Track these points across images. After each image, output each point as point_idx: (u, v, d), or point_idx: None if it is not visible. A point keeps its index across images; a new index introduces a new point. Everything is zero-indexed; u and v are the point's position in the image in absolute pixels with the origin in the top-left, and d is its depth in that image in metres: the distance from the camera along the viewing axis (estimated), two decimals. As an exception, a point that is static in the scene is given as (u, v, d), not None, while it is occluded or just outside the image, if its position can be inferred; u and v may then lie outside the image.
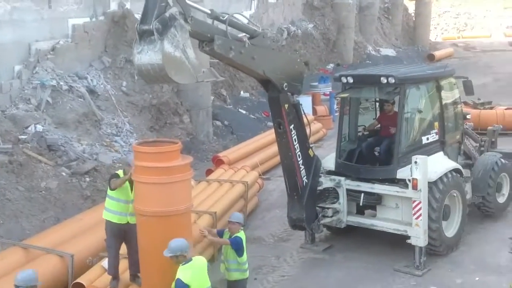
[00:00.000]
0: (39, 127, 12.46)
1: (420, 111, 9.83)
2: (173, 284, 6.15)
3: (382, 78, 9.29)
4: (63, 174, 11.74)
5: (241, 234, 7.49)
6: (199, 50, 7.58)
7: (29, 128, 12.33)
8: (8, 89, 12.75)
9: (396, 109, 9.99)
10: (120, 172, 7.33)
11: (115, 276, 7.35)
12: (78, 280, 7.52)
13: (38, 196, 10.80)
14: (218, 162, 13.72)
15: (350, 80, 9.70)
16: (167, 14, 6.69)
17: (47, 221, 10.30)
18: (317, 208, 9.70)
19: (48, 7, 13.89)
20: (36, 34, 13.63)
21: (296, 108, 9.15)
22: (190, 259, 6.22)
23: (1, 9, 12.61)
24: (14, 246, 8.54)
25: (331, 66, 28.67)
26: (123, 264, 7.60)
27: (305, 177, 9.34)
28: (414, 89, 9.69)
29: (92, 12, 15.33)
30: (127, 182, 7.11)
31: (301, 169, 9.24)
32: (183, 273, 6.07)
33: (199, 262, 6.39)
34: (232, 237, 7.42)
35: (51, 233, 9.24)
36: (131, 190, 7.13)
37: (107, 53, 15.81)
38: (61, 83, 13.84)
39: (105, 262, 7.74)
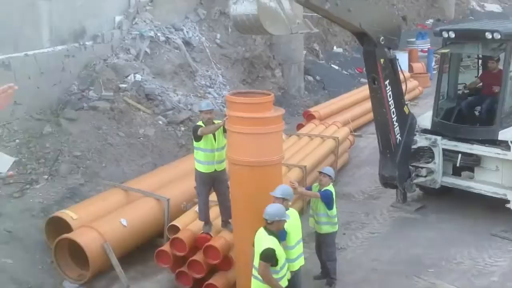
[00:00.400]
0: (138, 77, 12.93)
1: (527, 69, 9.22)
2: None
3: (487, 34, 8.76)
4: (160, 122, 12.19)
5: (331, 188, 7.50)
6: (295, 2, 7.45)
7: (129, 77, 12.83)
8: (110, 39, 13.27)
9: (500, 66, 9.43)
10: (200, 123, 7.46)
11: (207, 222, 7.60)
12: (174, 222, 7.85)
13: (137, 143, 11.31)
14: (309, 117, 13.67)
15: (452, 35, 9.22)
16: (264, -33, 6.60)
17: (145, 166, 10.78)
18: (410, 167, 9.48)
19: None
20: (136, -14, 14.00)
21: (392, 63, 8.86)
22: (288, 209, 6.32)
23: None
24: (115, 188, 9.04)
25: (430, 21, 27.35)
26: (215, 211, 7.85)
27: (399, 134, 9.11)
28: (522, 46, 9.08)
29: (189, -36, 15.49)
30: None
31: (395, 126, 9.01)
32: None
33: (295, 213, 6.49)
34: (322, 190, 7.44)
35: (149, 177, 9.68)
36: (215, 139, 7.28)
37: (202, 6, 16.01)
38: (159, 34, 14.22)
39: (197, 208, 8.03)
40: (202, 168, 7.40)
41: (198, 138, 7.29)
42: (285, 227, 6.13)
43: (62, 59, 12.02)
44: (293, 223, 6.32)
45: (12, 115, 10.75)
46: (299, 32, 7.40)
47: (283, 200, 6.25)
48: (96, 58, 12.82)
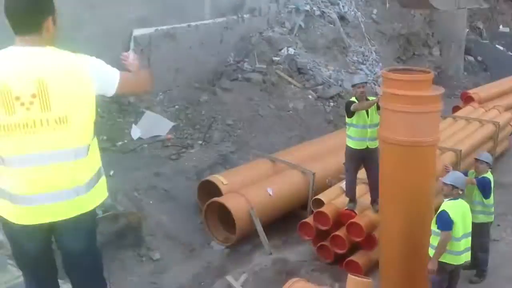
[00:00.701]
0: (291, 50, 13.05)
1: None
2: (434, 218, 6.03)
3: None
4: (310, 97, 12.23)
5: (489, 175, 7.00)
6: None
7: (282, 51, 12.99)
8: (266, 12, 13.51)
9: None
10: (353, 99, 7.30)
11: (352, 199, 7.52)
12: (319, 196, 7.88)
13: (286, 115, 11.48)
14: (467, 100, 12.83)
15: None
16: None
17: (292, 139, 10.92)
18: None
19: None
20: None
21: None
22: (457, 198, 6.02)
23: None
24: (263, 158, 9.28)
25: None
26: (360, 189, 7.73)
27: None
28: None
29: None
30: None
31: None
32: (449, 207, 5.88)
33: (465, 204, 6.14)
34: (479, 177, 6.98)
35: (296, 150, 9.79)
36: (368, 116, 7.10)
37: (361, -21, 15.65)
38: (314, 8, 14.18)
39: (343, 184, 7.97)
40: (353, 144, 7.30)
41: (350, 114, 7.18)
42: (451, 217, 5.85)
43: (221, 30, 12.49)
44: (461, 214, 5.98)
45: (173, 83, 11.45)
46: (467, 7, 6.95)
47: (453, 188, 5.95)
48: (252, 30, 13.14)
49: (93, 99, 2.77)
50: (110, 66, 2.96)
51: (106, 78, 2.83)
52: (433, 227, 5.94)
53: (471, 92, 13.15)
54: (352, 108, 7.12)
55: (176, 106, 10.96)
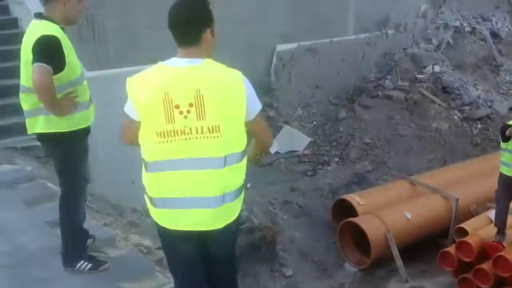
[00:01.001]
0: (437, 68, 12.48)
1: None
2: None
3: None
4: (455, 117, 11.59)
5: None
6: None
7: (427, 68, 12.47)
8: (412, 28, 13.07)
9: None
10: (510, 122, 6.73)
11: (501, 230, 6.96)
12: (462, 225, 7.41)
13: (427, 136, 10.97)
14: None
15: None
16: None
17: (434, 161, 10.40)
18: None
19: None
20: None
21: None
22: None
23: None
24: (402, 179, 8.91)
25: None
26: (510, 219, 7.12)
27: None
28: None
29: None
30: None
31: None
32: None
33: None
34: None
35: (438, 173, 9.31)
36: None
37: (517, -6, 14.61)
38: (464, 24, 13.48)
39: (491, 213, 7.40)
40: (508, 172, 6.77)
41: (506, 139, 6.67)
42: None
43: (363, 46, 12.31)
44: None
45: (312, 98, 11.45)
46: None
47: None
48: (396, 46, 12.79)
49: (244, 111, 2.83)
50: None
51: (252, 102, 2.88)
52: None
53: None
54: (507, 133, 6.60)
55: (314, 122, 10.93)
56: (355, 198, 8.12)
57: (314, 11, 11.35)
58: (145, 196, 3.04)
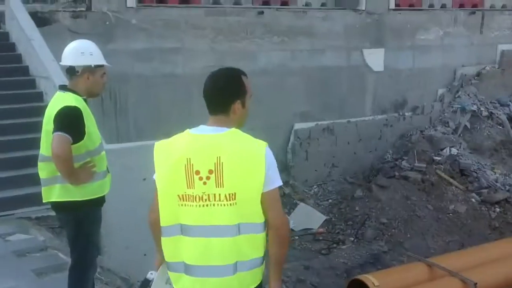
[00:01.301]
0: (454, 150, 12.52)
1: None
2: None
3: None
4: (473, 200, 11.49)
5: None
6: None
7: (444, 150, 12.52)
8: (429, 111, 13.27)
9: None
10: None
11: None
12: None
13: (445, 218, 10.85)
14: None
15: None
16: None
17: (451, 243, 10.24)
18: None
19: (479, 32, 13.88)
20: (463, 59, 13.78)
21: None
22: None
23: (434, 34, 13.19)
24: (419, 262, 8.74)
25: None
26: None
27: None
28: None
29: (523, 38, 14.65)
30: None
31: None
32: None
33: None
34: None
35: (455, 256, 9.09)
36: None
37: (533, 80, 14.81)
38: (482, 108, 13.64)
39: (511, 300, 7.19)
40: None
41: None
42: None
43: (380, 127, 12.49)
44: None
45: (328, 177, 11.52)
46: None
47: None
48: (413, 128, 12.93)
49: (262, 180, 2.86)
50: None
51: (272, 173, 2.91)
52: None
53: None
54: None
55: (330, 200, 10.94)
56: (370, 279, 7.93)
57: (332, 92, 11.66)
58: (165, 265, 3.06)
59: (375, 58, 12.26)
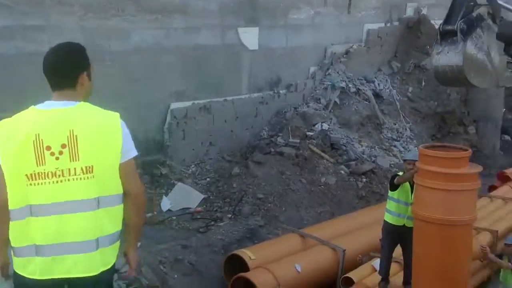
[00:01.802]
0: (325, 126, 13.12)
1: None
2: None
3: None
4: (342, 172, 12.15)
5: None
6: (505, 53, 6.97)
7: (316, 126, 13.08)
8: (302, 88, 13.75)
9: None
10: (401, 174, 7.21)
11: (385, 278, 7.27)
12: (348, 274, 7.66)
13: (317, 190, 11.38)
14: (504, 179, 12.54)
15: None
16: (474, 14, 6.30)
17: (323, 214, 10.77)
18: None
19: (347, 12, 14.54)
20: (333, 38, 14.38)
21: None
22: None
23: (305, 14, 13.62)
24: (293, 233, 9.13)
25: None
26: (393, 267, 7.48)
27: None
28: None
29: (387, 18, 15.56)
30: (408, 184, 6.96)
31: None
32: None
33: None
34: None
35: (326, 226, 9.63)
36: (411, 192, 6.95)
37: (396, 58, 15.87)
38: (350, 85, 14.36)
39: (375, 262, 7.75)
40: (392, 220, 7.12)
41: (393, 187, 7.07)
42: None
43: (256, 105, 12.74)
44: None
45: (206, 155, 11.58)
46: (506, 85, 6.91)
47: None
48: (288, 105, 13.35)
49: (119, 152, 2.83)
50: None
51: (128, 144, 2.90)
52: None
53: (508, 171, 12.85)
54: (395, 181, 7.01)
55: (208, 179, 11.02)
56: (246, 253, 8.18)
57: (209, 71, 11.68)
58: (11, 251, 2.92)
59: (250, 37, 12.43)
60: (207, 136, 11.65)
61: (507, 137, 16.79)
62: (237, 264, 8.15)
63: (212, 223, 9.71)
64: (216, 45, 11.88)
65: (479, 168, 6.30)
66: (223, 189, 10.71)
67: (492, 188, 12.20)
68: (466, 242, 6.30)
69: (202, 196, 10.42)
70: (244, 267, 8.02)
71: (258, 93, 12.87)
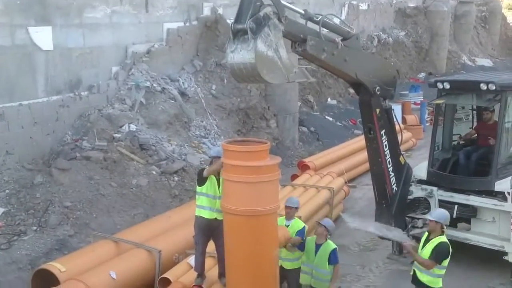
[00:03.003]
0: (133, 127, 12.90)
1: (521, 120, 9.26)
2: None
3: (481, 85, 8.80)
4: (153, 172, 12.07)
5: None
6: (292, 51, 7.51)
7: (123, 127, 12.79)
8: (105, 89, 13.33)
9: (495, 117, 9.45)
10: (206, 167, 7.35)
11: (201, 273, 7.37)
12: (165, 275, 7.61)
13: (129, 193, 11.15)
14: (304, 168, 13.61)
15: (447, 86, 9.27)
16: (261, 14, 6.67)
17: (136, 217, 10.59)
18: (406, 218, 9.34)
19: (145, 11, 14.42)
20: (133, 37, 14.17)
21: (387, 113, 8.88)
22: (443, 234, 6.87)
23: (101, 12, 13.19)
24: (106, 239, 8.81)
25: (422, 75, 27.82)
26: (208, 262, 7.62)
27: (395, 184, 9.03)
28: (516, 97, 9.14)
29: (186, 17, 15.77)
30: (214, 178, 7.13)
31: (391, 176, 8.94)
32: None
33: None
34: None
35: (140, 228, 9.44)
36: (219, 186, 7.14)
37: (198, 57, 16.18)
38: (155, 84, 14.29)
39: (191, 259, 7.81)
40: (203, 214, 7.18)
41: (202, 182, 7.14)
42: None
43: (56, 109, 12.03)
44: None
45: (3, 165, 10.63)
46: (296, 80, 7.42)
47: (436, 223, 6.82)
48: (91, 108, 12.84)
49: None
50: None
51: None
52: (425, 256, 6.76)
53: (307, 160, 13.98)
54: (205, 172, 7.10)
55: (7, 191, 10.13)
56: (55, 266, 7.68)
57: (-1, 74, 10.72)
58: None
59: (42, 37, 11.66)
60: (3, 144, 10.70)
61: (304, 129, 18.18)
62: (47, 279, 7.62)
63: (15, 237, 8.95)
64: (4, 45, 10.96)
65: (278, 159, 6.72)
66: (26, 200, 9.94)
67: (294, 177, 13.13)
68: (273, 229, 6.69)
69: (2, 209, 9.55)
70: (55, 281, 7.53)
71: (58, 96, 12.16)
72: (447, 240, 6.79)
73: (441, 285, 6.98)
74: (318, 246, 7.40)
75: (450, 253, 6.79)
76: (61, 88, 12.29)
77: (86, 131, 12.20)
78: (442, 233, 6.84)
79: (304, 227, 7.65)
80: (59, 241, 9.06)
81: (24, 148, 11.04)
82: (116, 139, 12.31)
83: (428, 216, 7.23)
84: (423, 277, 6.93)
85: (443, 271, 6.90)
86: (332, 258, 7.30)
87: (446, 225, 6.85)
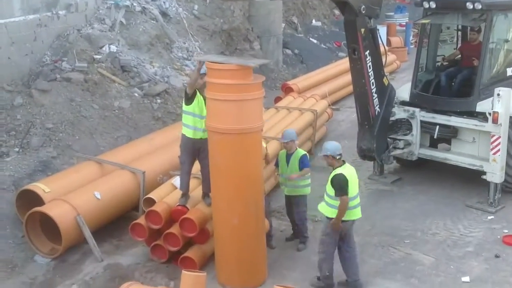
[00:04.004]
0: (113, 48, 12.62)
1: (506, 41, 9.19)
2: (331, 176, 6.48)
3: (468, 3, 8.65)
4: (136, 94, 11.93)
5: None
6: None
7: (104, 48, 12.51)
8: (84, 8, 12.90)
9: (481, 38, 9.37)
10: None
11: (185, 193, 7.45)
12: (149, 195, 7.69)
13: (111, 115, 11.06)
14: (287, 90, 13.54)
15: (433, 5, 9.10)
16: None
17: (119, 139, 10.56)
18: (388, 139, 9.44)
19: None
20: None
21: (372, 33, 8.73)
22: (343, 164, 6.57)
23: None
24: (89, 161, 8.82)
25: (409, -4, 27.26)
26: (192, 183, 7.69)
27: (378, 106, 9.04)
28: (502, 17, 9.02)
29: None
30: (201, 97, 7.06)
31: (374, 98, 8.93)
32: (343, 170, 6.47)
33: (351, 166, 6.70)
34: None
35: (124, 150, 9.46)
36: (205, 105, 7.08)
37: (180, -25, 15.65)
38: (135, 4, 13.87)
39: (175, 180, 7.88)
40: (189, 134, 7.16)
41: (189, 100, 7.08)
42: (347, 177, 6.40)
43: (34, 28, 11.66)
44: (353, 175, 6.58)
45: (-19, 87, 10.43)
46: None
47: (333, 157, 6.54)
48: (70, 28, 12.47)
49: None
50: None
51: None
52: (330, 192, 6.49)
53: (290, 83, 13.89)
54: (187, 89, 7.05)
55: (-14, 113, 9.99)
56: (39, 186, 7.73)
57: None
58: None
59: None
60: (-18, 65, 10.45)
61: (288, 51, 17.94)
62: (31, 200, 7.68)
63: (-2, 159, 8.93)
64: (-23, -40, 10.45)
65: (262, 78, 6.66)
66: (6, 121, 9.82)
67: (278, 99, 13.08)
68: (258, 148, 6.75)
69: (-18, 133, 9.46)
70: (40, 201, 7.59)
71: (35, 15, 11.74)
72: (341, 172, 6.44)
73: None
74: (289, 156, 7.65)
75: (348, 181, 6.41)
76: (38, 7, 11.86)
77: (65, 51, 11.90)
78: (344, 162, 6.60)
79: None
80: (42, 163, 9.04)
81: (2, 69, 10.77)
82: (96, 60, 12.05)
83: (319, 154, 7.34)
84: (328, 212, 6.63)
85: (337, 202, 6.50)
86: (302, 164, 7.54)
87: (340, 154, 6.56)
